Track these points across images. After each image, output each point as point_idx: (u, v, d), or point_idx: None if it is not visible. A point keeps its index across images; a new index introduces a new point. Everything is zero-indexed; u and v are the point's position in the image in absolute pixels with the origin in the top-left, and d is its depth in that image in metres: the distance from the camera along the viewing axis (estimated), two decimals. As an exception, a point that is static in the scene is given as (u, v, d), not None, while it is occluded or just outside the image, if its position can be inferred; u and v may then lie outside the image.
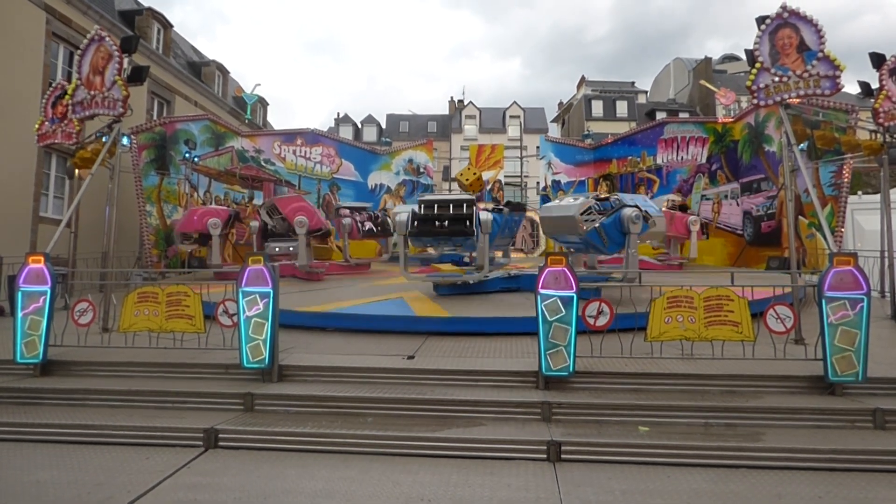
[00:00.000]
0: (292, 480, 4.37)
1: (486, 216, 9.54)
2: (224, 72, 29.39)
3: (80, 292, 8.54)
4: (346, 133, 49.24)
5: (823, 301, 5.44)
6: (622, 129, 33.03)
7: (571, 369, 5.67)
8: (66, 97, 9.12)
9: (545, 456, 4.73)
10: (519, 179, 39.91)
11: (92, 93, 8.77)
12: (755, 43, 7.83)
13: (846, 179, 12.88)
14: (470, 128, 53.24)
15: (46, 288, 6.55)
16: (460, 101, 56.94)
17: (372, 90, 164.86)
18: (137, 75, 8.90)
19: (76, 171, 9.89)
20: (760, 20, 7.87)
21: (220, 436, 5.11)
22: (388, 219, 16.63)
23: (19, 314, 6.49)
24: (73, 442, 5.16)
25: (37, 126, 9.67)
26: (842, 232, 13.15)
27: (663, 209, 13.24)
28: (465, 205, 9.42)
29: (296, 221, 13.28)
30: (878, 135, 9.91)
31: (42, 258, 6.64)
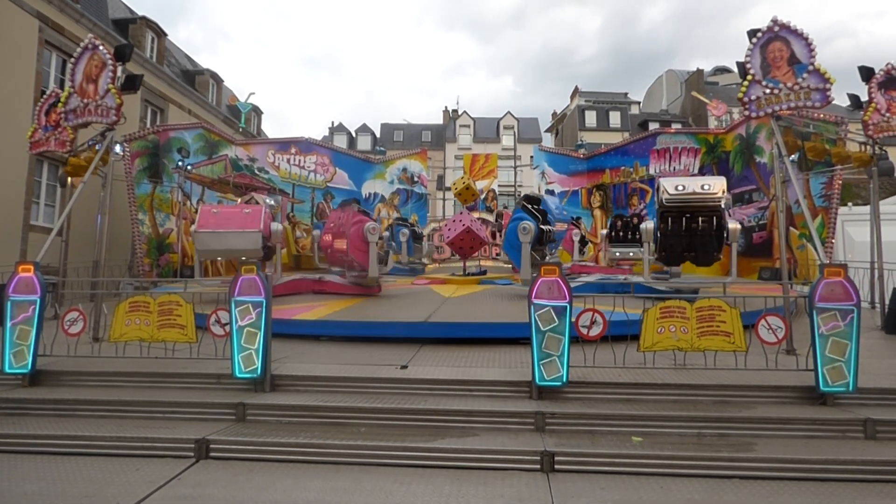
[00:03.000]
0: (284, 491, 4.34)
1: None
2: (218, 80, 29.41)
3: (71, 301, 8.48)
4: (341, 142, 49.24)
5: (814, 312, 5.46)
6: (615, 139, 33.21)
7: (565, 379, 5.67)
8: (60, 105, 9.11)
9: (538, 466, 4.72)
10: (513, 189, 40.05)
11: (85, 101, 8.77)
12: (747, 55, 7.92)
13: (836, 191, 12.99)
14: (464, 137, 53.34)
15: (36, 297, 6.50)
16: (454, 111, 57.06)
17: (369, 105, 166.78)
18: (131, 84, 8.90)
19: (69, 179, 9.86)
20: (752, 33, 7.96)
21: (212, 446, 5.07)
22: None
23: (8, 324, 6.43)
24: (61, 453, 5.11)
25: (29, 134, 9.66)
26: (832, 243, 13.25)
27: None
28: None
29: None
30: (868, 147, 10.02)
31: (32, 267, 6.60)
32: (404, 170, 22.18)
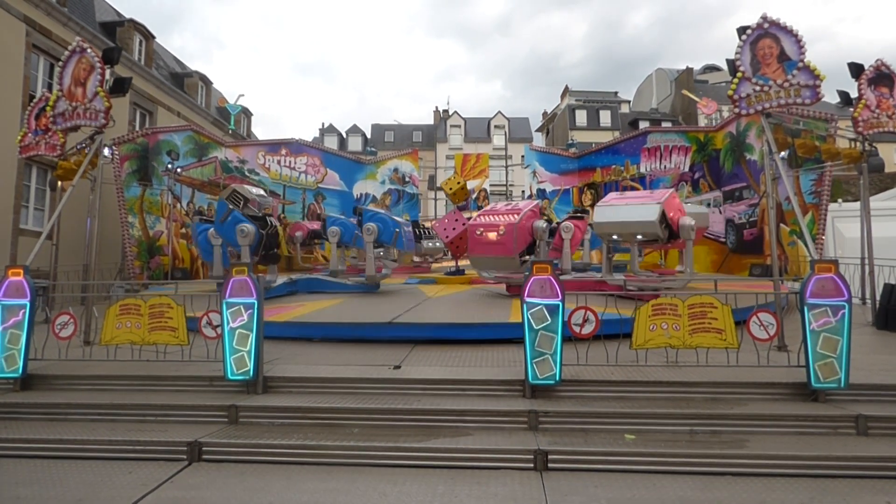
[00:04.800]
0: (277, 493, 4.33)
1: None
2: (207, 83, 29.28)
3: (62, 305, 8.43)
4: (332, 143, 49.17)
5: (805, 308, 5.49)
6: (606, 138, 33.30)
7: (558, 378, 5.67)
8: (48, 109, 9.05)
9: (532, 465, 4.72)
10: (504, 188, 40.09)
11: (73, 104, 8.71)
12: (736, 53, 7.94)
13: (827, 187, 13.04)
14: (455, 137, 53.33)
15: (26, 301, 6.45)
16: (445, 111, 57.03)
17: (361, 109, 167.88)
18: (119, 87, 8.85)
19: (58, 182, 9.80)
20: (741, 30, 7.98)
21: (204, 449, 5.05)
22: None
23: (-2, 327, 6.39)
24: (53, 457, 5.08)
25: (19, 138, 9.58)
26: (823, 239, 13.30)
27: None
28: None
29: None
30: (858, 143, 10.07)
31: (21, 271, 6.55)
32: (395, 170, 22.13)
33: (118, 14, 23.75)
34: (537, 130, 61.36)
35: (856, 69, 10.03)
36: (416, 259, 17.88)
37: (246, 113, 34.50)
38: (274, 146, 20.48)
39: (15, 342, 6.38)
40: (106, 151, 9.64)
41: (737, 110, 8.14)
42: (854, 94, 10.28)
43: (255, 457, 4.99)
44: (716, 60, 59.25)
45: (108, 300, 7.78)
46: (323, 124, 56.94)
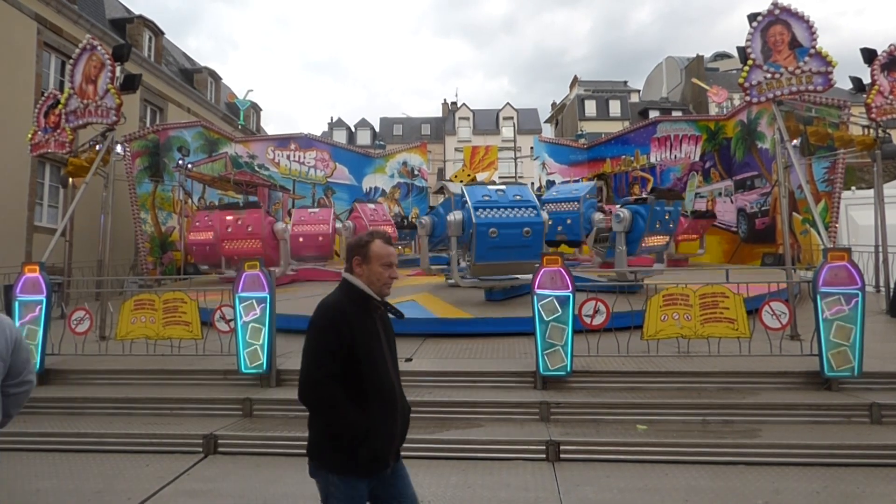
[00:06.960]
0: (292, 485, 4.37)
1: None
2: (216, 78, 29.31)
3: (77, 301, 8.52)
4: (340, 137, 49.11)
5: (818, 296, 5.46)
6: (615, 128, 33.05)
7: (569, 369, 5.68)
8: (59, 106, 9.12)
9: (544, 455, 4.74)
10: (513, 180, 40.02)
11: (85, 102, 8.77)
12: (747, 40, 7.85)
13: (839, 175, 12.92)
14: (464, 129, 53.10)
15: (42, 297, 6.55)
16: (454, 104, 56.80)
17: (370, 105, 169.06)
18: (130, 83, 8.90)
19: (70, 180, 9.89)
20: (752, 17, 7.89)
21: (220, 441, 5.11)
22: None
23: (16, 324, 6.47)
24: (72, 450, 5.15)
25: (29, 136, 9.67)
26: (836, 227, 13.20)
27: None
28: None
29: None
30: (871, 130, 9.96)
31: (37, 268, 6.64)
32: (404, 163, 22.14)
33: (127, 11, 23.81)
34: (546, 121, 61.03)
35: (869, 55, 9.89)
36: None
37: (255, 108, 34.52)
38: (283, 141, 20.55)
39: (32, 337, 6.46)
40: (118, 148, 9.72)
41: (748, 98, 8.07)
42: (867, 81, 10.16)
43: (269, 449, 5.04)
44: (723, 50, 58.71)
45: (122, 295, 7.86)
46: (332, 119, 57.01)
